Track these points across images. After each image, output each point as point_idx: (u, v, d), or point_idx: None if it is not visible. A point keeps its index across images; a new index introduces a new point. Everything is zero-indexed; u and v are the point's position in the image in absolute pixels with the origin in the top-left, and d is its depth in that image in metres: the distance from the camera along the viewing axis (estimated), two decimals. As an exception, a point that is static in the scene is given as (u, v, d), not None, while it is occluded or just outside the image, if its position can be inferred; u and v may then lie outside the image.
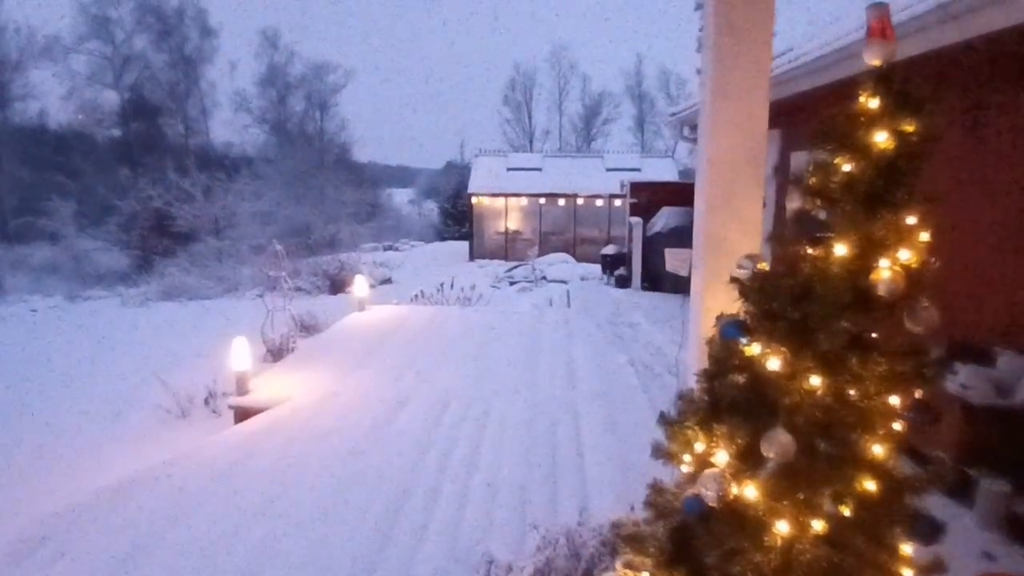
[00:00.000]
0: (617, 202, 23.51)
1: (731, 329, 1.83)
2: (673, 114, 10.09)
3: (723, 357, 1.87)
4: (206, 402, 7.22)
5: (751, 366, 1.79)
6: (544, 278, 17.01)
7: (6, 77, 37.16)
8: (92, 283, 22.27)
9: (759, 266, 1.86)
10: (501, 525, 3.82)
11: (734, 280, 1.88)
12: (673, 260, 11.16)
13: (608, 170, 26.31)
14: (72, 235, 27.24)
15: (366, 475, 4.50)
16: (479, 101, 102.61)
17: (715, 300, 2.47)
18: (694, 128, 8.19)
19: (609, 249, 15.39)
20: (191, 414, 7.23)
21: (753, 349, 1.78)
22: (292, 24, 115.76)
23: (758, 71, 2.67)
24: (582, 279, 16.64)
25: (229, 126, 45.88)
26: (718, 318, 1.88)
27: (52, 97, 38.53)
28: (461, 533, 3.74)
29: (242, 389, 6.22)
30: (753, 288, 1.82)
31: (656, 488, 2.01)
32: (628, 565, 1.90)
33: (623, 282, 13.45)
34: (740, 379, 1.81)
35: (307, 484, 4.40)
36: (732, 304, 1.86)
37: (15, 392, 8.66)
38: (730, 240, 2.67)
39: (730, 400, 1.79)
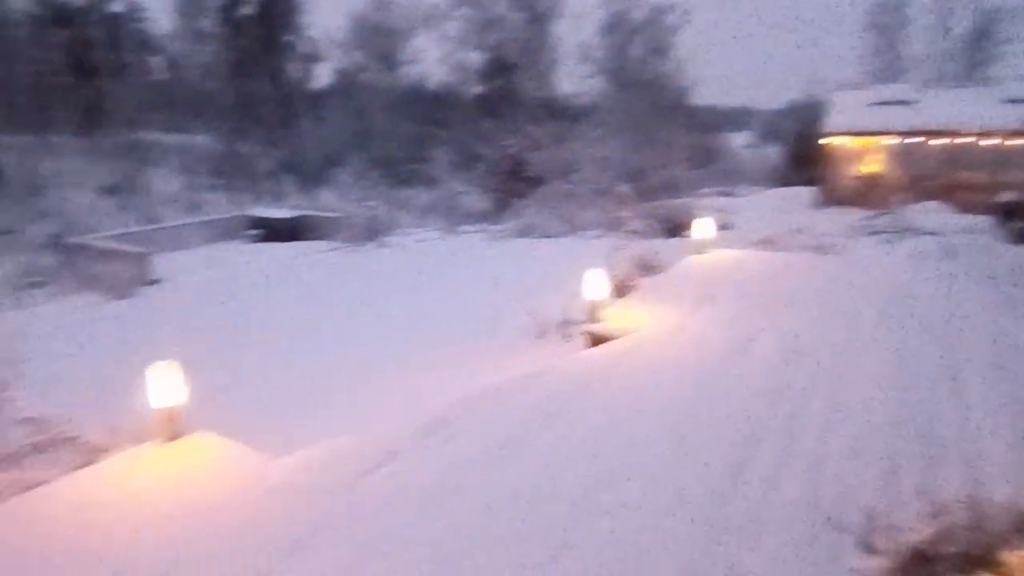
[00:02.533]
0: (1020, 140, 19.02)
1: None
2: None
3: None
4: (562, 327, 7.98)
5: None
6: (912, 229, 14.73)
7: (395, 45, 44.46)
8: (462, 221, 26.01)
9: None
10: (869, 487, 3.52)
11: None
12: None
13: (1005, 102, 21.40)
14: (446, 180, 32.01)
15: (712, 412, 4.53)
16: (832, 31, 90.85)
17: None
18: None
19: (1007, 196, 12.66)
20: (546, 336, 8.08)
21: None
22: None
23: None
24: (964, 232, 13.99)
25: (573, 77, 48.48)
26: None
27: (429, 60, 45.11)
28: (820, 489, 3.55)
29: (594, 317, 6.72)
30: None
31: None
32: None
33: (1026, 237, 10.96)
34: None
35: (655, 410, 4.61)
36: None
37: (415, 305, 10.64)
38: None
39: None
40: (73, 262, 15.40)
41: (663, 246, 12.57)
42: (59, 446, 4.92)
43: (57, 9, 41.62)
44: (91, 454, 4.86)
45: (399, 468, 3.99)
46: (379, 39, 44.18)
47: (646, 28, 45.12)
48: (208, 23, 44.10)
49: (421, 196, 34.05)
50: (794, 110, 42.25)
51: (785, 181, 33.65)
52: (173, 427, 4.39)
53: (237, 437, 4.64)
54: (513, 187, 25.25)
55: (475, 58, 44.54)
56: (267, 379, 7.02)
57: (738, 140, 49.23)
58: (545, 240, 16.45)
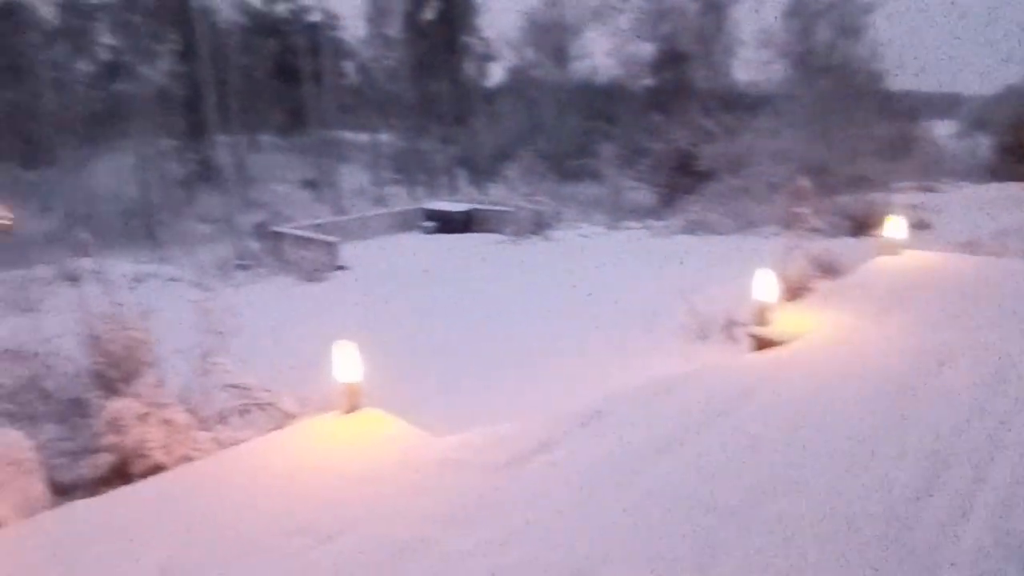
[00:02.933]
0: None
1: None
2: None
3: None
4: (725, 328, 7.66)
5: None
6: None
7: (566, 41, 44.73)
8: (627, 216, 25.75)
9: None
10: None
11: None
12: None
13: None
14: (612, 174, 31.79)
15: (893, 429, 4.12)
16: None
17: None
18: None
19: None
20: (709, 337, 7.80)
21: None
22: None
23: None
24: None
25: (750, 65, 45.84)
26: None
27: (599, 55, 44.85)
28: (1014, 526, 3.11)
29: (762, 320, 6.37)
30: None
31: None
32: None
33: None
34: None
35: (826, 422, 4.28)
36: None
37: (575, 298, 10.75)
38: None
39: None
40: (274, 248, 17.37)
41: (847, 246, 11.59)
42: (256, 411, 5.60)
43: (264, 21, 46.86)
44: (282, 420, 5.49)
45: (554, 457, 4.07)
46: (550, 36, 44.82)
47: (834, 8, 41.54)
48: (394, 29, 47.30)
49: (587, 190, 34.15)
50: (1010, 95, 36.80)
51: (997, 176, 29.50)
52: (352, 401, 4.82)
53: (406, 414, 5.02)
54: (680, 182, 24.53)
55: (646, 50, 43.62)
56: (434, 360, 7.47)
57: (942, 129, 43.76)
58: (714, 237, 15.82)
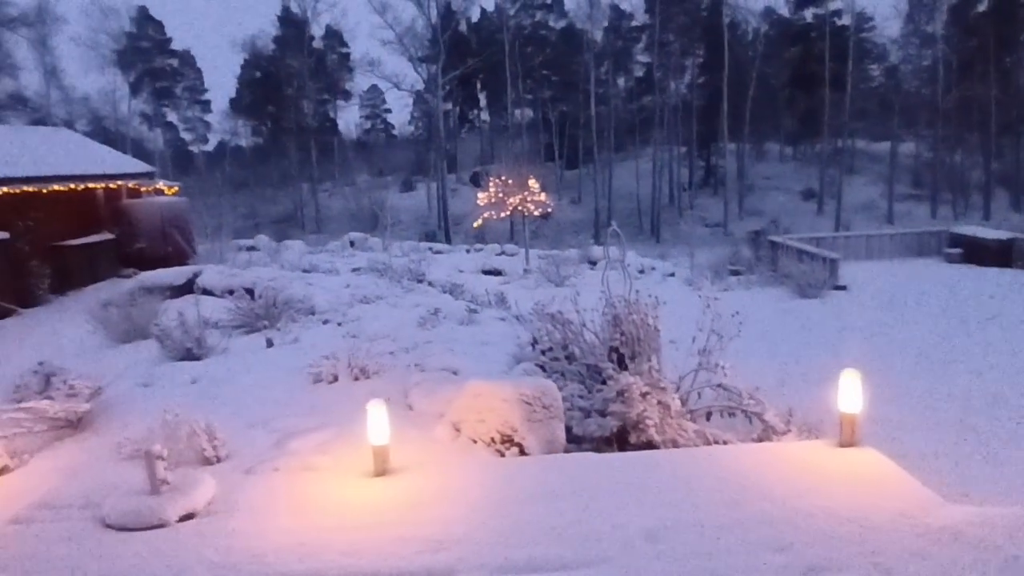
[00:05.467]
0: None
1: None
2: None
3: None
4: None
5: None
6: None
7: None
8: None
9: None
10: None
11: None
12: None
13: None
14: None
15: None
16: None
17: None
18: None
19: None
20: None
21: None
22: None
23: None
24: None
25: None
26: None
27: None
28: None
29: None
30: None
31: None
32: None
33: None
34: None
35: None
36: None
37: None
38: None
39: None
40: (769, 258, 17.16)
41: None
42: (740, 416, 5.63)
43: (789, 29, 46.11)
44: (764, 432, 5.39)
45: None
46: None
47: None
48: (934, 26, 41.16)
49: None
50: None
51: None
52: (849, 433, 4.42)
53: (903, 458, 4.38)
54: None
55: None
56: (950, 408, 6.28)
57: None
58: None
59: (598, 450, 5.01)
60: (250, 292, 10.17)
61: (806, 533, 3.42)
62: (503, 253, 22.80)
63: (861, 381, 4.46)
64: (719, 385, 5.84)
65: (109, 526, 3.84)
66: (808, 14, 44.90)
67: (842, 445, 4.44)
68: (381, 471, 4.36)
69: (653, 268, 19.49)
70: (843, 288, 13.43)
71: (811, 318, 10.90)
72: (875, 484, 3.97)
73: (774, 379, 7.20)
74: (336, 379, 6.56)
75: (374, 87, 56.99)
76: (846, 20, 41.88)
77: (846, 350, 8.31)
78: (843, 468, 4.17)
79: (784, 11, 46.83)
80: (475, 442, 5.01)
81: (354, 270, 16.23)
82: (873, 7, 43.77)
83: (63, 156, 14.72)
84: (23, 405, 5.57)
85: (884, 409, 6.13)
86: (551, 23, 51.81)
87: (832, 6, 41.85)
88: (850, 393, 4.41)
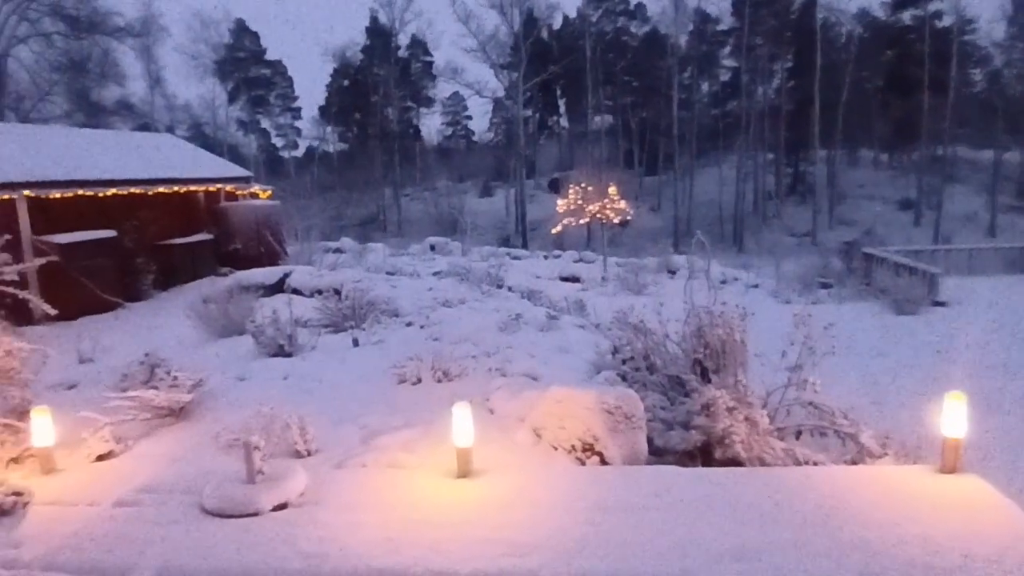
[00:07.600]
0: None
1: None
2: None
3: None
4: None
5: None
6: None
7: None
8: None
9: None
10: None
11: None
12: None
13: None
14: None
15: None
16: None
17: None
18: None
19: None
20: None
21: None
22: None
23: None
24: None
25: None
26: None
27: None
28: None
29: None
30: None
31: None
32: None
33: None
34: None
35: None
36: None
37: None
38: None
39: None
40: (862, 270, 16.35)
41: None
42: (832, 436, 5.40)
43: (886, 31, 43.82)
44: (858, 454, 5.15)
45: None
46: None
47: None
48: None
49: None
50: None
51: None
52: (952, 460, 4.17)
53: (1010, 489, 4.10)
54: None
55: None
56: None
57: None
58: None
59: (680, 463, 4.92)
60: (337, 293, 10.55)
61: (904, 563, 3.26)
62: (581, 260, 22.73)
63: (966, 404, 4.21)
64: (810, 403, 5.63)
65: (207, 511, 4.07)
66: (906, 16, 42.65)
67: (944, 471, 4.20)
68: (464, 472, 4.44)
69: (736, 278, 18.93)
70: (943, 304, 12.64)
71: (909, 335, 10.32)
72: (979, 514, 3.74)
73: (869, 399, 6.88)
74: (420, 380, 6.71)
75: (456, 94, 57.95)
76: (947, 22, 39.53)
77: (947, 370, 7.83)
78: (945, 496, 3.94)
79: (879, 13, 44.69)
80: (556, 448, 5.03)
81: (435, 274, 16.56)
82: (976, 9, 41.08)
83: (167, 160, 15.68)
84: (129, 394, 5.97)
85: (990, 435, 5.76)
86: (633, 29, 51.32)
87: (932, 7, 39.59)
88: (954, 416, 4.17)
